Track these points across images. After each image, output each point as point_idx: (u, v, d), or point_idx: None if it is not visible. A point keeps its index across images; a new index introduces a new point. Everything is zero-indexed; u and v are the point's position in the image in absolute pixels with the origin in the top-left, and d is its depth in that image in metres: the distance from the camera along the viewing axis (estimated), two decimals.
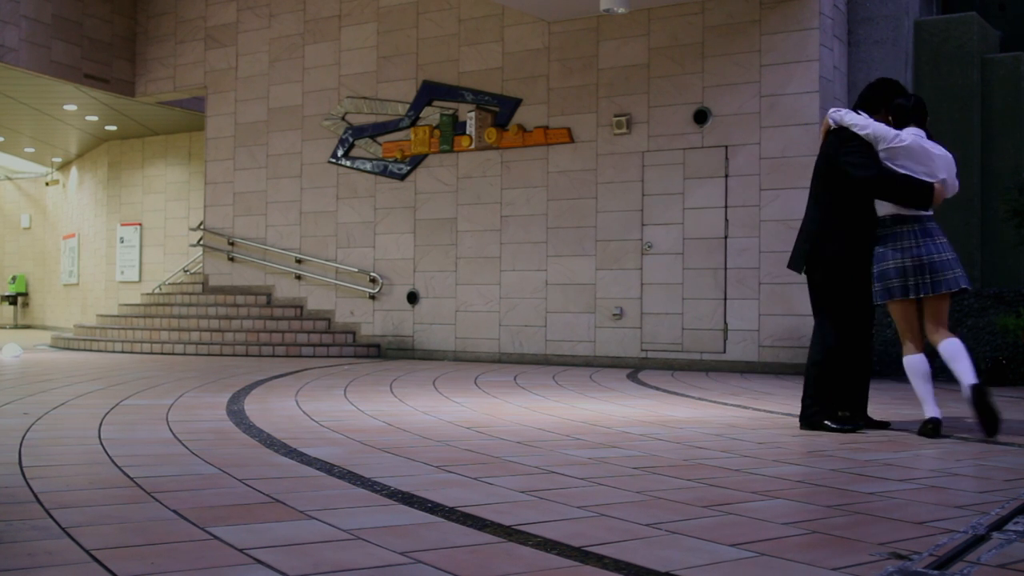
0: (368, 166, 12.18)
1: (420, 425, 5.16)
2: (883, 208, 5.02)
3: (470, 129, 11.28)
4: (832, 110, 5.12)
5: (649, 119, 10.33)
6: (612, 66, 10.58)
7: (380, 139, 12.11)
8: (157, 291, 15.20)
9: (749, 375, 9.29)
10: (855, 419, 5.14)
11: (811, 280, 5.22)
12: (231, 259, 13.34)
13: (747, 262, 9.73)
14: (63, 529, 2.61)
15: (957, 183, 5.11)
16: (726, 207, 9.85)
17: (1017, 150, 10.09)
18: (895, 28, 10.25)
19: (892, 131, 4.97)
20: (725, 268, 9.83)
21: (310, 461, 3.87)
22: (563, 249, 10.79)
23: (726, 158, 9.88)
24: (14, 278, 23.04)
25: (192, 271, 15.95)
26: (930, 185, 4.91)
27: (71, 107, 15.69)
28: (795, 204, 9.31)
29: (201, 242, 13.78)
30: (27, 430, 4.64)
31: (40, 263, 22.79)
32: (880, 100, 5.19)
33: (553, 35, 10.97)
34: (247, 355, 11.70)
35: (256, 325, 12.29)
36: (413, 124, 11.83)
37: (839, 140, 5.03)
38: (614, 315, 10.41)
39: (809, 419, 5.11)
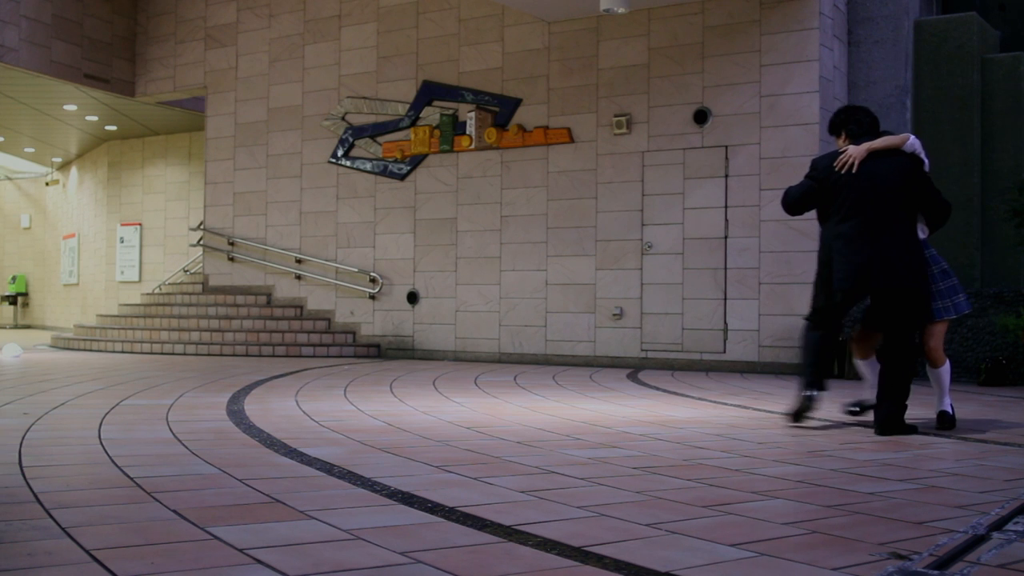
0: (368, 166, 12.17)
1: (420, 425, 5.16)
2: (922, 231, 5.30)
3: (470, 129, 11.28)
4: (913, 137, 5.19)
5: (649, 119, 10.33)
6: (612, 66, 10.57)
7: (380, 139, 12.11)
8: (157, 291, 15.20)
9: (749, 375, 9.29)
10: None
11: (916, 293, 5.08)
12: (231, 259, 13.34)
13: (747, 262, 9.72)
14: (63, 529, 2.61)
15: None
16: (726, 207, 9.85)
17: (1017, 150, 10.09)
18: (895, 28, 10.25)
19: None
20: (725, 268, 9.83)
21: (310, 461, 3.87)
22: (563, 249, 10.78)
23: (726, 158, 9.87)
24: (14, 278, 23.03)
25: (192, 271, 15.95)
26: None
27: (71, 107, 15.69)
28: None
29: (201, 242, 13.78)
30: (27, 430, 4.64)
31: (40, 263, 22.79)
32: (843, 125, 5.41)
33: (553, 35, 10.97)
34: (247, 355, 11.70)
35: (256, 325, 12.29)
36: (413, 124, 11.83)
37: (919, 167, 5.16)
38: (614, 315, 10.40)
39: (895, 424, 4.99)
